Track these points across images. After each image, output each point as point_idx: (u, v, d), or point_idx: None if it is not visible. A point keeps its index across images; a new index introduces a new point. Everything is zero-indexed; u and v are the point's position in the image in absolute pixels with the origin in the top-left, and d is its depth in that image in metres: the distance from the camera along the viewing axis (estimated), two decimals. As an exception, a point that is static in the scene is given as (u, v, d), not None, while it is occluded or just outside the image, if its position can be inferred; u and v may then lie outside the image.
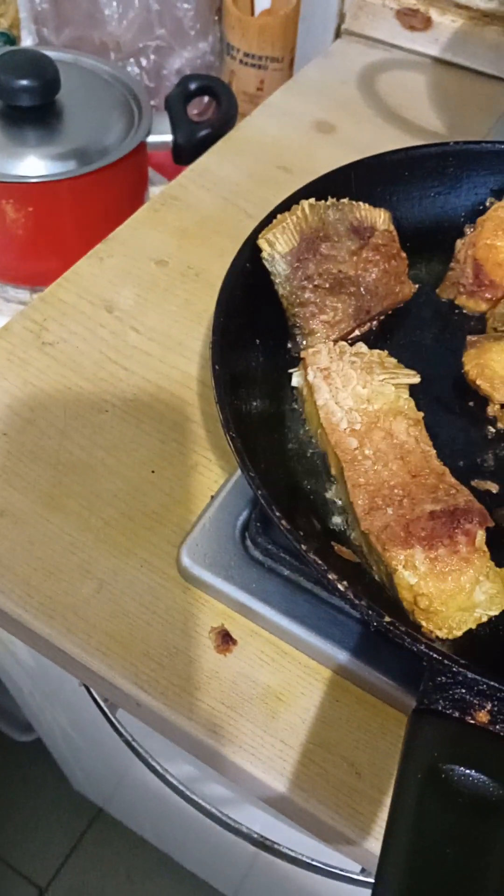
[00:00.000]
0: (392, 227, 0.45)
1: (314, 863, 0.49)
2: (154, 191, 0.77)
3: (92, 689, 0.50)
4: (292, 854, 0.49)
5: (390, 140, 0.68)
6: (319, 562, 0.30)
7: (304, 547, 0.30)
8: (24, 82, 0.61)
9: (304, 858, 0.49)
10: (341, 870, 0.48)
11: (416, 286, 0.46)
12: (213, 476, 0.46)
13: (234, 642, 0.40)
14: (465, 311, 0.47)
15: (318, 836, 0.38)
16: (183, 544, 0.41)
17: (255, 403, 0.41)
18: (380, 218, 0.45)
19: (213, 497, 0.44)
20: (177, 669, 0.39)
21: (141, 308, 0.53)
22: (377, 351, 0.40)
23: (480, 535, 0.32)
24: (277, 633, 0.40)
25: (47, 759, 1.17)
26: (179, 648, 0.39)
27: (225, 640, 0.39)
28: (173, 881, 1.22)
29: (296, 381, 0.41)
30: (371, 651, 0.38)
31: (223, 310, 0.38)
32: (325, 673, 0.39)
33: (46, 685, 0.67)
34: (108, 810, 1.26)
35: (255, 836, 0.46)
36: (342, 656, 0.38)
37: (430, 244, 0.49)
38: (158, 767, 0.47)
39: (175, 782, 0.48)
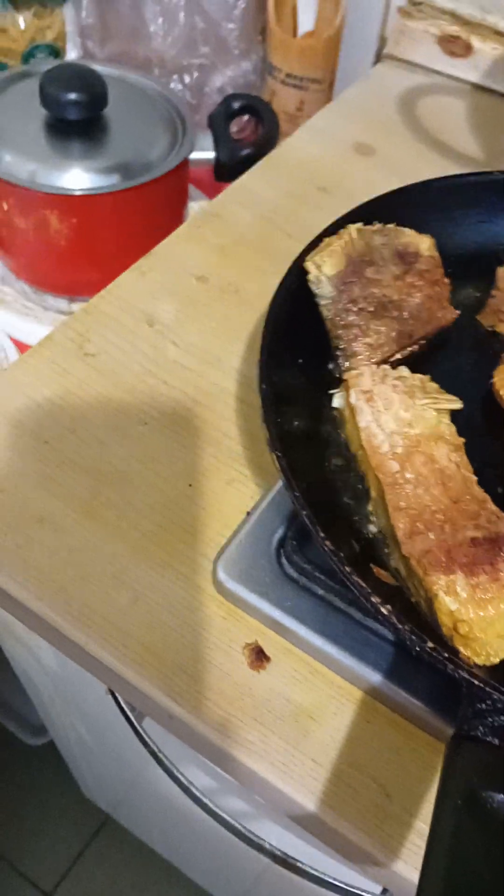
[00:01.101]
0: (436, 253, 0.46)
1: (333, 881, 0.49)
2: (193, 206, 0.78)
3: (119, 698, 0.50)
4: (311, 871, 0.49)
5: (429, 164, 0.69)
6: (363, 585, 0.30)
7: (347, 569, 0.30)
8: (73, 96, 0.62)
9: (323, 876, 0.49)
10: (361, 890, 0.48)
11: (458, 312, 0.46)
12: (248, 492, 0.46)
13: (268, 659, 0.40)
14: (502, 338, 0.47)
15: (345, 856, 0.38)
16: (219, 559, 0.42)
17: (295, 422, 0.42)
18: (424, 244, 0.45)
19: (248, 513, 0.44)
20: (210, 683, 0.39)
21: (180, 323, 0.54)
22: (419, 375, 0.41)
23: (523, 564, 0.32)
24: (311, 652, 0.40)
25: (58, 764, 1.17)
26: (213, 663, 0.40)
27: (259, 656, 0.40)
28: (178, 891, 1.22)
29: (337, 402, 0.41)
30: (404, 674, 0.38)
31: (271, 330, 0.39)
32: (356, 693, 0.39)
33: (69, 691, 0.68)
34: (115, 818, 1.26)
35: (278, 853, 0.46)
36: (375, 678, 0.38)
37: (471, 270, 0.49)
38: (182, 778, 0.48)
39: (198, 794, 0.49)
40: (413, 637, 0.28)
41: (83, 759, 0.97)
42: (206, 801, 0.46)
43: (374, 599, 0.29)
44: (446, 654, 0.28)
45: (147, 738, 0.49)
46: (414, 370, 0.42)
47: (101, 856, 1.26)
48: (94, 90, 0.62)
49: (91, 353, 0.51)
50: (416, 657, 0.30)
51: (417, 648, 0.29)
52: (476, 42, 0.78)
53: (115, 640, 0.40)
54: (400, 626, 0.29)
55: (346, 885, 0.48)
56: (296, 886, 0.72)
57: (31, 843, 1.27)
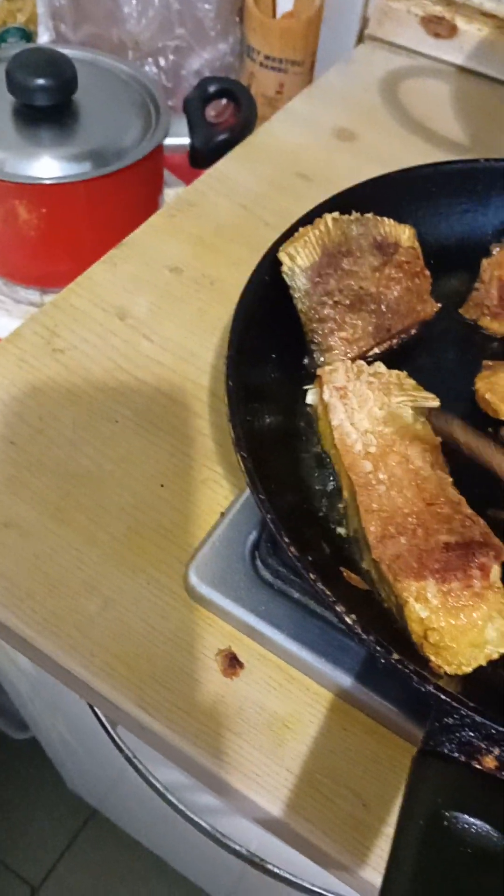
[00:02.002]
0: (416, 244, 0.44)
1: (311, 887, 0.48)
2: (169, 192, 0.76)
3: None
4: (288, 877, 0.48)
5: (412, 150, 0.67)
6: (328, 592, 0.29)
7: (312, 576, 0.29)
8: (41, 81, 0.59)
9: (300, 882, 0.49)
10: (337, 894, 0.47)
11: (439, 305, 0.44)
12: (222, 492, 0.45)
13: (242, 666, 0.39)
14: (487, 333, 0.46)
15: (321, 865, 0.37)
16: (191, 563, 0.41)
17: (268, 419, 0.40)
18: (404, 234, 0.44)
19: (222, 514, 0.43)
20: (182, 692, 0.38)
21: (154, 316, 0.52)
22: (396, 371, 0.39)
23: (496, 570, 0.31)
24: (286, 658, 0.39)
25: (43, 758, 1.16)
26: (185, 671, 0.38)
27: (232, 663, 0.39)
28: (166, 884, 1.22)
29: (311, 398, 0.40)
30: (382, 680, 0.37)
31: (241, 324, 0.38)
32: (333, 701, 0.38)
33: (47, 693, 0.67)
34: (102, 811, 1.26)
35: (256, 859, 0.45)
36: (351, 684, 0.37)
37: (454, 262, 0.48)
38: (158, 784, 0.47)
39: (174, 800, 0.48)
40: (378, 648, 0.27)
41: (67, 757, 0.96)
42: (181, 807, 0.45)
43: (339, 608, 0.28)
44: (412, 667, 0.27)
45: (122, 744, 0.48)
46: (392, 365, 0.41)
47: (88, 849, 1.25)
48: (62, 75, 0.60)
49: (60, 349, 0.50)
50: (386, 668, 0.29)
51: (383, 660, 0.27)
52: (461, 23, 0.76)
53: (84, 649, 0.39)
54: (364, 637, 0.28)
55: (325, 889, 0.47)
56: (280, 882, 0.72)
57: (18, 836, 1.26)
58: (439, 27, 0.75)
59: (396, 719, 0.36)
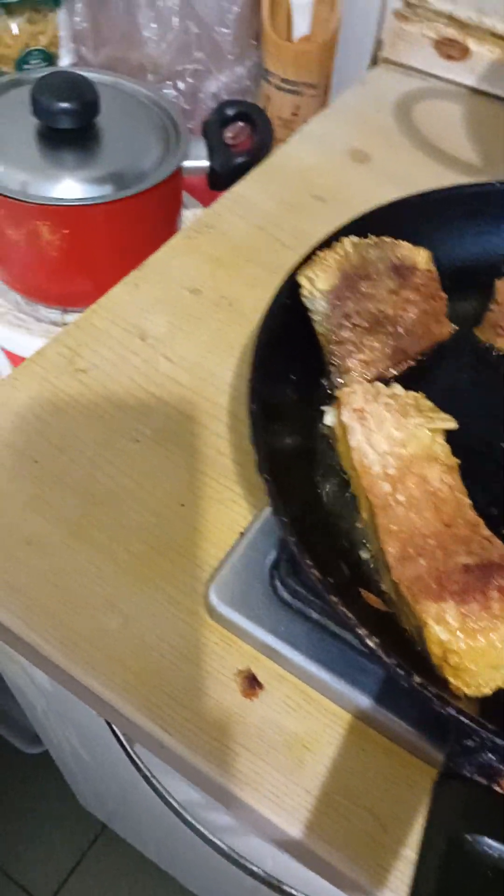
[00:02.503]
0: (433, 267, 0.45)
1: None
2: (187, 214, 0.77)
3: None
4: None
5: (425, 171, 0.68)
6: (350, 615, 0.29)
7: (334, 599, 0.29)
8: (64, 105, 0.61)
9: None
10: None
11: (455, 327, 0.45)
12: (242, 511, 0.45)
13: (261, 686, 0.39)
14: (502, 354, 0.46)
15: (338, 887, 0.37)
16: (211, 582, 0.41)
17: (287, 440, 0.41)
18: (420, 257, 0.44)
19: (242, 534, 0.43)
20: (201, 712, 0.38)
21: (173, 336, 0.53)
22: (413, 393, 0.40)
23: (516, 594, 0.31)
24: (305, 679, 0.39)
25: (54, 773, 1.16)
26: (204, 690, 0.39)
27: (251, 684, 0.39)
28: (175, 902, 1.21)
29: (329, 419, 0.40)
30: (400, 702, 0.37)
31: (263, 347, 0.38)
32: (352, 721, 0.38)
33: (63, 709, 0.67)
34: (112, 827, 1.25)
35: (273, 880, 0.45)
36: (370, 705, 0.37)
37: (470, 283, 0.48)
38: (174, 802, 0.47)
39: (189, 818, 0.48)
40: (400, 671, 0.28)
41: (79, 772, 0.96)
42: (199, 826, 0.46)
43: (361, 631, 0.29)
44: (433, 690, 0.27)
45: (139, 761, 0.48)
46: (409, 387, 0.41)
47: (98, 866, 1.25)
48: (85, 98, 0.61)
49: (82, 369, 0.50)
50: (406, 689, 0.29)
51: (404, 683, 0.28)
52: (473, 45, 0.77)
53: (104, 666, 0.39)
54: (387, 660, 0.28)
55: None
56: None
57: (28, 852, 1.26)
58: (452, 49, 0.76)
59: (414, 740, 0.36)
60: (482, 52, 0.77)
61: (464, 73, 0.78)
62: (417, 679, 0.27)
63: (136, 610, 0.41)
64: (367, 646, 0.29)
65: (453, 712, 0.27)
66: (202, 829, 0.48)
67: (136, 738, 0.41)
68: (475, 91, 0.78)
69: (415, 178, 0.65)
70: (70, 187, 0.62)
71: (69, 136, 0.62)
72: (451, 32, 0.78)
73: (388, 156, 0.69)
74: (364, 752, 0.38)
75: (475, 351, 0.46)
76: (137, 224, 0.64)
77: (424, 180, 0.52)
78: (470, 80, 0.78)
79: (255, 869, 0.46)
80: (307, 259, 0.42)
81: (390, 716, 0.37)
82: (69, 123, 0.61)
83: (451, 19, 0.77)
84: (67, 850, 1.27)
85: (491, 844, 0.25)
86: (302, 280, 0.41)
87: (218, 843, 0.48)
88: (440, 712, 0.27)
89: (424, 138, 0.72)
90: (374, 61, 0.84)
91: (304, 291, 0.41)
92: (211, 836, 0.48)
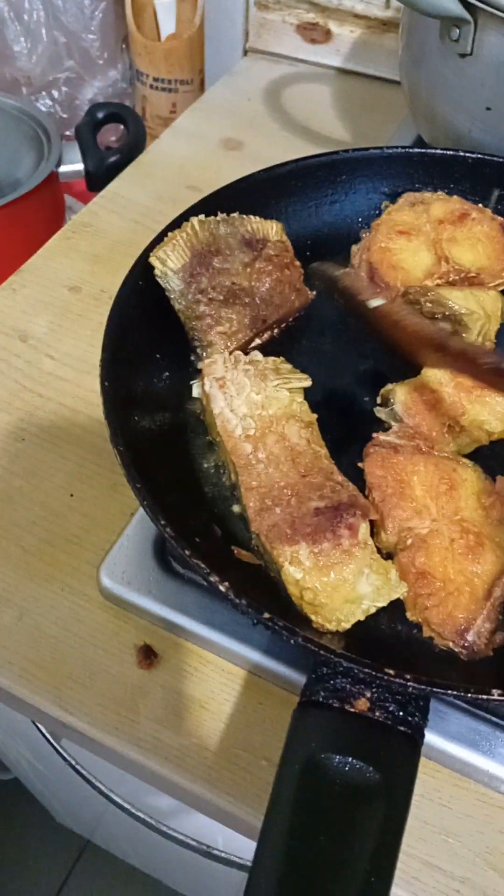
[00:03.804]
0: (285, 238, 0.46)
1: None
2: (75, 219, 0.77)
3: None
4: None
5: (297, 152, 0.69)
6: (202, 564, 0.30)
7: (187, 551, 0.31)
8: None
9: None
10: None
11: (314, 293, 0.47)
12: (132, 495, 0.46)
13: (157, 656, 0.40)
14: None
15: (249, 837, 0.38)
16: (102, 564, 0.42)
17: (160, 417, 0.42)
18: (272, 229, 0.46)
19: (132, 515, 0.44)
20: (101, 689, 0.39)
21: (55, 335, 0.54)
22: (272, 358, 0.41)
23: (364, 528, 0.32)
24: (199, 643, 0.40)
25: (29, 796, 1.15)
26: (103, 668, 0.40)
27: (147, 655, 0.40)
28: (167, 906, 1.21)
29: (195, 392, 0.42)
30: (288, 651, 0.38)
31: (114, 328, 0.39)
32: (247, 678, 0.40)
33: (2, 720, 0.67)
34: (94, 841, 1.25)
35: (216, 852, 0.46)
36: (261, 658, 0.38)
37: (329, 251, 0.50)
38: (104, 788, 0.48)
39: (128, 806, 0.49)
40: (249, 609, 0.29)
41: (45, 788, 0.96)
42: (127, 805, 0.46)
43: (213, 578, 0.30)
44: (281, 623, 0.28)
45: (66, 756, 0.49)
46: (275, 352, 0.43)
47: (85, 881, 1.24)
48: None
49: (-37, 376, 0.51)
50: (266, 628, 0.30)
51: (255, 620, 0.29)
52: (334, 27, 0.79)
53: (2, 659, 0.40)
54: (237, 601, 0.29)
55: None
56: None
57: (15, 877, 1.25)
58: (314, 33, 0.78)
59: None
60: (344, 33, 0.79)
61: (329, 55, 0.80)
62: (266, 614, 0.29)
63: (31, 601, 0.42)
64: (219, 590, 0.30)
65: (300, 640, 0.28)
66: (139, 813, 0.49)
67: (45, 724, 0.42)
68: (341, 71, 0.80)
69: (286, 160, 0.67)
70: None
71: None
72: (312, 17, 0.80)
73: (260, 141, 0.71)
74: (261, 705, 0.39)
75: (338, 314, 0.48)
76: (17, 231, 0.65)
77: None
78: (335, 61, 0.80)
79: (192, 842, 0.47)
80: (157, 241, 0.44)
81: (279, 664, 0.38)
82: None
83: (312, 4, 0.80)
84: (54, 869, 1.26)
85: (344, 760, 0.27)
86: (153, 261, 0.43)
87: (155, 823, 0.48)
88: (290, 644, 0.29)
89: (295, 121, 0.74)
90: (245, 52, 0.86)
91: (157, 271, 0.43)
92: (148, 818, 0.49)
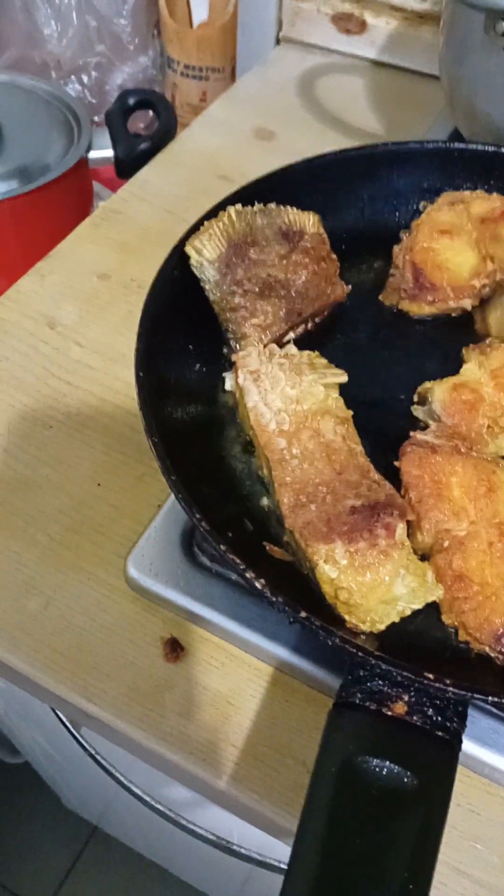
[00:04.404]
0: (321, 230, 0.45)
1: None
2: (103, 206, 0.77)
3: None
4: (276, 864, 0.49)
5: (329, 144, 0.69)
6: (237, 560, 0.30)
7: (222, 547, 0.30)
8: (-41, 106, 0.61)
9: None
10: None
11: (349, 287, 0.46)
12: (159, 486, 0.46)
13: (183, 649, 0.40)
14: (405, 314, 0.47)
15: (271, 834, 0.38)
16: (129, 555, 0.42)
17: (193, 409, 0.41)
18: (309, 221, 0.45)
19: (159, 506, 0.44)
20: (126, 680, 0.39)
21: (84, 322, 0.54)
22: (307, 352, 0.41)
23: (401, 529, 0.32)
24: (226, 637, 0.40)
25: (39, 780, 1.16)
26: (128, 659, 0.39)
27: (173, 648, 0.40)
28: (172, 894, 1.21)
29: (228, 384, 0.41)
30: (318, 649, 0.38)
31: (148, 317, 0.39)
32: (274, 674, 0.39)
33: (18, 706, 0.67)
34: (102, 828, 1.25)
35: (236, 847, 0.46)
36: (289, 656, 0.38)
37: (366, 245, 0.49)
38: (123, 780, 0.47)
39: (148, 798, 0.48)
40: (286, 607, 0.28)
41: (56, 773, 0.96)
42: (147, 798, 0.46)
43: (249, 574, 0.29)
44: (318, 622, 0.28)
45: (86, 744, 0.49)
46: (309, 346, 0.42)
47: (92, 867, 1.25)
48: (-21, 97, 0.61)
49: (-8, 362, 0.51)
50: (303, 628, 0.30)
51: (291, 619, 0.29)
52: (370, 18, 0.78)
53: (27, 647, 0.39)
54: (273, 599, 0.29)
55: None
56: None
57: (22, 861, 1.26)
58: (349, 24, 0.77)
59: (333, 685, 0.37)
60: (379, 24, 0.78)
61: (363, 46, 0.79)
62: (304, 613, 0.28)
63: (58, 590, 0.41)
64: (255, 587, 0.29)
65: (337, 641, 0.28)
66: (158, 805, 0.49)
67: (68, 714, 0.41)
68: (375, 63, 0.79)
69: (319, 152, 0.66)
70: (-26, 186, 0.62)
71: (-32, 136, 0.62)
72: (348, 7, 0.79)
73: (293, 132, 0.70)
74: (288, 703, 0.39)
75: (376, 311, 0.47)
76: (45, 217, 0.64)
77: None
78: (370, 53, 0.79)
79: (210, 836, 0.47)
80: (194, 230, 0.43)
81: (308, 663, 0.38)
82: (-34, 123, 0.61)
83: (347, -6, 0.78)
84: (61, 854, 1.26)
85: (381, 764, 0.26)
86: (189, 251, 0.42)
87: (174, 816, 0.48)
88: (328, 644, 0.28)
89: (328, 112, 0.73)
90: (278, 41, 0.85)
91: (193, 261, 0.42)
92: (167, 811, 0.49)
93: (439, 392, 0.39)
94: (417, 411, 0.40)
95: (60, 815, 1.26)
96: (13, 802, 1.30)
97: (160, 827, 0.91)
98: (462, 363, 0.41)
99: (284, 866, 0.51)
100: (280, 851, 0.51)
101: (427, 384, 0.40)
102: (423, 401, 0.40)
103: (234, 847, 0.47)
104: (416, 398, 0.41)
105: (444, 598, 0.33)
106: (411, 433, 0.38)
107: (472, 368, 0.39)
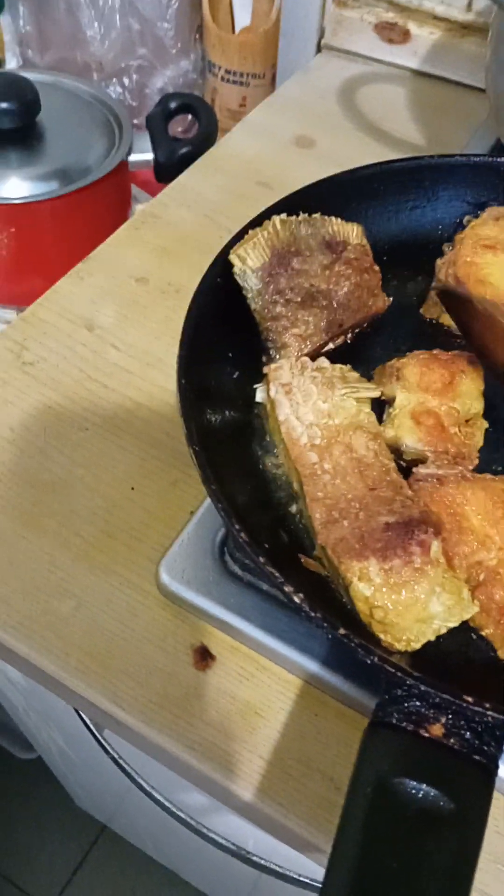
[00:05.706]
0: (365, 241, 0.45)
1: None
2: (139, 209, 0.77)
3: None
4: (306, 881, 0.49)
5: (370, 153, 0.69)
6: (276, 574, 0.30)
7: (261, 559, 0.30)
8: (4, 105, 0.61)
9: (308, 880, 0.49)
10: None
11: (391, 299, 0.46)
12: (192, 492, 0.46)
13: (213, 658, 0.40)
14: (445, 328, 0.47)
15: (296, 849, 0.38)
16: (162, 561, 0.42)
17: (227, 416, 0.41)
18: (352, 232, 0.45)
19: (192, 513, 0.44)
20: (155, 687, 0.39)
21: (121, 325, 0.54)
22: (339, 365, 0.41)
23: (436, 546, 0.31)
24: (256, 648, 0.40)
25: (51, 777, 1.16)
26: (158, 666, 0.39)
27: (203, 656, 0.40)
28: (179, 897, 1.21)
29: (259, 396, 0.41)
30: (349, 664, 0.38)
31: (191, 324, 0.39)
32: (304, 687, 0.39)
33: (39, 704, 0.67)
34: (111, 827, 1.25)
35: (256, 857, 0.46)
36: (320, 670, 0.38)
37: (408, 258, 0.49)
38: (145, 785, 0.47)
39: (166, 802, 0.48)
40: (325, 624, 0.28)
41: (69, 772, 0.97)
42: (176, 810, 0.46)
43: (287, 588, 0.29)
44: (358, 640, 0.28)
45: (109, 748, 0.49)
46: (349, 359, 0.42)
47: (99, 866, 1.25)
48: (25, 98, 0.62)
49: (29, 362, 0.51)
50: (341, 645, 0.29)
51: (330, 635, 0.28)
52: (413, 28, 0.77)
53: (58, 649, 0.40)
54: (312, 614, 0.28)
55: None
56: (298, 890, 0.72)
57: (30, 858, 1.26)
58: (392, 33, 0.77)
59: (364, 701, 0.37)
60: (423, 34, 0.78)
61: (406, 56, 0.79)
62: (342, 630, 0.28)
63: (89, 593, 0.42)
64: (293, 601, 0.29)
65: (376, 660, 0.27)
66: (180, 812, 0.49)
67: (95, 718, 0.41)
68: (417, 73, 0.79)
69: (359, 161, 0.64)
70: (15, 185, 0.62)
71: (11, 135, 0.63)
72: (391, 16, 0.79)
73: (333, 141, 0.70)
74: (317, 717, 0.38)
75: (415, 324, 0.47)
76: (85, 219, 0.65)
77: (368, 162, 0.53)
78: (412, 63, 0.79)
79: (230, 846, 0.47)
80: (238, 238, 0.43)
81: (339, 678, 0.37)
82: (10, 123, 0.62)
83: (391, 3, 0.78)
84: (69, 852, 1.27)
85: (416, 786, 0.26)
86: (233, 258, 0.42)
87: (195, 824, 0.48)
88: (366, 662, 0.28)
89: (369, 122, 0.73)
90: (319, 49, 0.84)
91: (236, 269, 0.42)
92: (189, 819, 0.49)
93: (409, 438, 0.38)
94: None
95: (70, 813, 1.26)
96: (23, 798, 1.30)
97: (170, 829, 0.91)
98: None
99: (301, 878, 0.51)
100: (297, 862, 0.51)
101: (389, 433, 0.39)
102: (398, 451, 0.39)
103: (251, 856, 0.47)
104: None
105: (497, 635, 0.32)
106: (413, 469, 0.37)
107: (404, 396, 0.39)
